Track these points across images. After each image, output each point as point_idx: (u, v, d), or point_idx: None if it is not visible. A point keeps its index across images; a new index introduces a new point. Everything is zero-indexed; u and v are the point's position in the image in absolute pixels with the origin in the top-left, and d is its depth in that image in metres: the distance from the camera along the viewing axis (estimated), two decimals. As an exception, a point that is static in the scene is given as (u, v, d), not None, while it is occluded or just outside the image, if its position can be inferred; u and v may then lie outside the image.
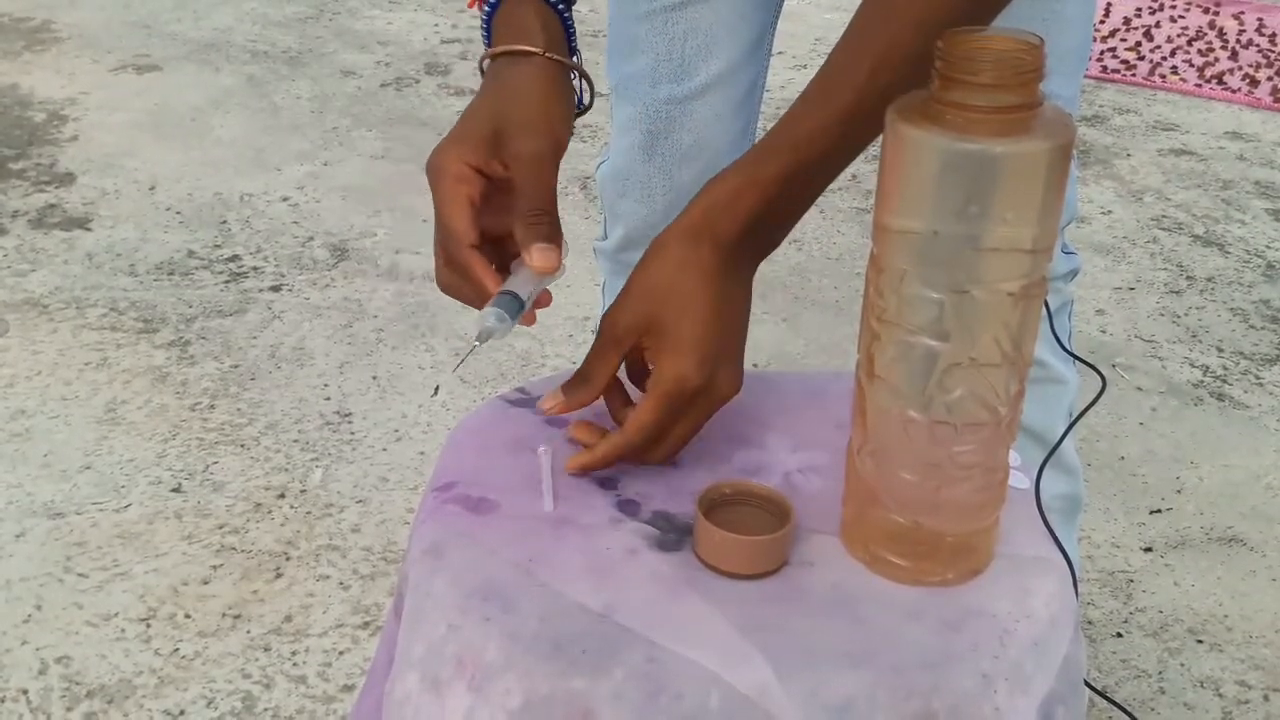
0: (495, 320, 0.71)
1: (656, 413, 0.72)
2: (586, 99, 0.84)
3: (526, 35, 0.78)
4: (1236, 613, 1.57)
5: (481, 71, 0.81)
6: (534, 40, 0.78)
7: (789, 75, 3.18)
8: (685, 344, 0.71)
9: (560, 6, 0.81)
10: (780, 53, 2.99)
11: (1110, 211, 2.66)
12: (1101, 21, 3.83)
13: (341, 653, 1.45)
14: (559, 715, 0.61)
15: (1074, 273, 1.13)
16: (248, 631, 1.47)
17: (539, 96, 0.76)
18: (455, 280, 0.76)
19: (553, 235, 0.74)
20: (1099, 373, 0.78)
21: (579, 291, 2.24)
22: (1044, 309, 0.78)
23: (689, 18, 1.04)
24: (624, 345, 0.73)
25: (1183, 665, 1.48)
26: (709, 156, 1.07)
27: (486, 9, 0.81)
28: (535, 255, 0.73)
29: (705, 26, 1.04)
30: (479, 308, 0.73)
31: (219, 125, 2.91)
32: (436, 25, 3.66)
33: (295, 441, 1.81)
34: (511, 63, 0.78)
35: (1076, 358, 0.81)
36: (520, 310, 0.73)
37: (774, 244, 0.75)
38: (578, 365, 0.76)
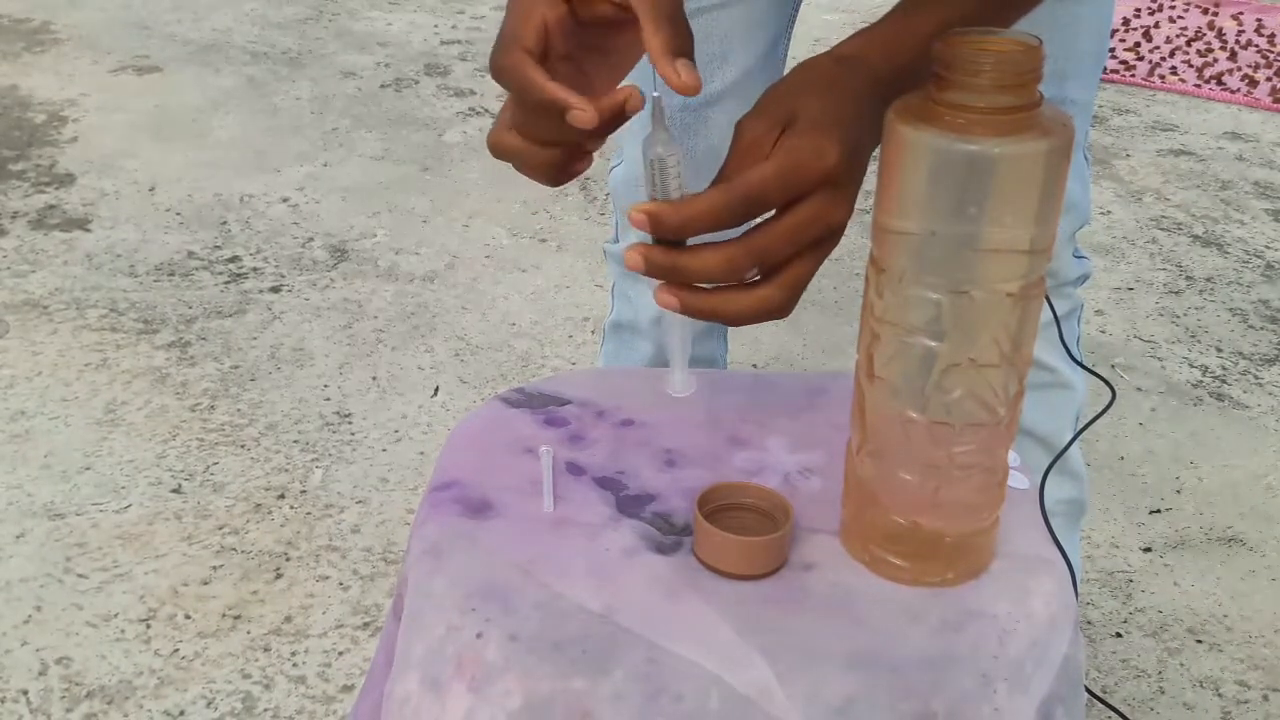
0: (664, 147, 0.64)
1: (775, 174, 0.62)
2: None
3: None
4: (1236, 613, 1.57)
5: None
6: None
7: (788, 76, 3.18)
8: (830, 126, 0.63)
9: None
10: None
11: (1109, 212, 2.67)
12: (1101, 22, 3.84)
13: (341, 653, 1.45)
14: (559, 716, 0.62)
15: (1085, 278, 1.13)
16: (248, 632, 1.47)
17: None
18: (512, 139, 0.67)
19: (690, 49, 0.65)
20: (1110, 386, 0.78)
21: (579, 292, 2.24)
22: (1052, 315, 0.78)
23: (704, 24, 1.03)
24: (761, 146, 0.64)
25: (1182, 665, 1.49)
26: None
27: None
28: (681, 71, 0.63)
29: (721, 33, 1.03)
30: (530, 168, 0.65)
31: (219, 126, 2.91)
32: (436, 26, 3.66)
33: (295, 442, 1.81)
34: None
35: (1088, 370, 0.81)
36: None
37: None
38: (578, 366, 0.74)
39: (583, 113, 0.63)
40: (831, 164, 0.63)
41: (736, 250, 0.63)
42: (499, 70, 0.66)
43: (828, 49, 0.70)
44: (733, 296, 0.65)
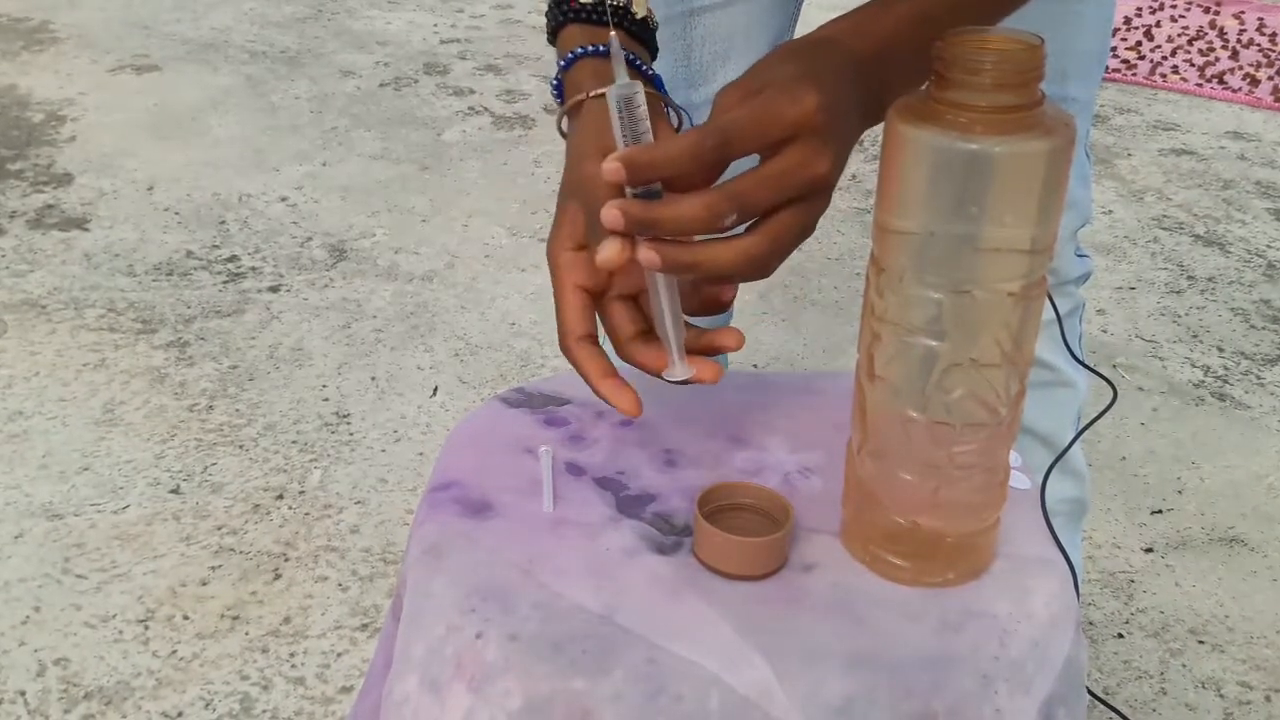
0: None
1: (750, 115, 0.62)
2: (676, 120, 0.78)
3: (585, 85, 0.73)
4: (1238, 613, 1.57)
5: (562, 134, 0.76)
6: (595, 85, 0.73)
7: (788, 75, 3.17)
8: (805, 79, 0.63)
9: (635, 60, 0.75)
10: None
11: (1111, 211, 2.66)
12: (1101, 21, 3.84)
13: (340, 654, 1.44)
14: (559, 716, 0.61)
15: (1086, 276, 1.13)
16: (246, 633, 1.47)
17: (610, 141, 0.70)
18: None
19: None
20: (1112, 385, 0.78)
21: (578, 292, 2.24)
22: (1055, 313, 0.78)
23: (707, 23, 1.03)
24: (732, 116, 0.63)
25: (1184, 666, 1.48)
26: None
27: (558, 69, 0.77)
28: (729, 339, 0.68)
29: (723, 33, 1.03)
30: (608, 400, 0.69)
31: (217, 125, 2.90)
32: (435, 25, 3.66)
33: (294, 442, 1.81)
34: (578, 113, 0.74)
35: (1089, 368, 0.81)
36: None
37: (881, 107, 0.66)
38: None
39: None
40: (808, 109, 0.62)
41: (715, 195, 0.62)
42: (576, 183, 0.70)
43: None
44: (714, 246, 0.63)
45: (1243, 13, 3.99)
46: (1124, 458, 1.87)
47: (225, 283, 2.23)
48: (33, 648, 1.44)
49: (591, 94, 0.74)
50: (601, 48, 0.74)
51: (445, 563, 0.68)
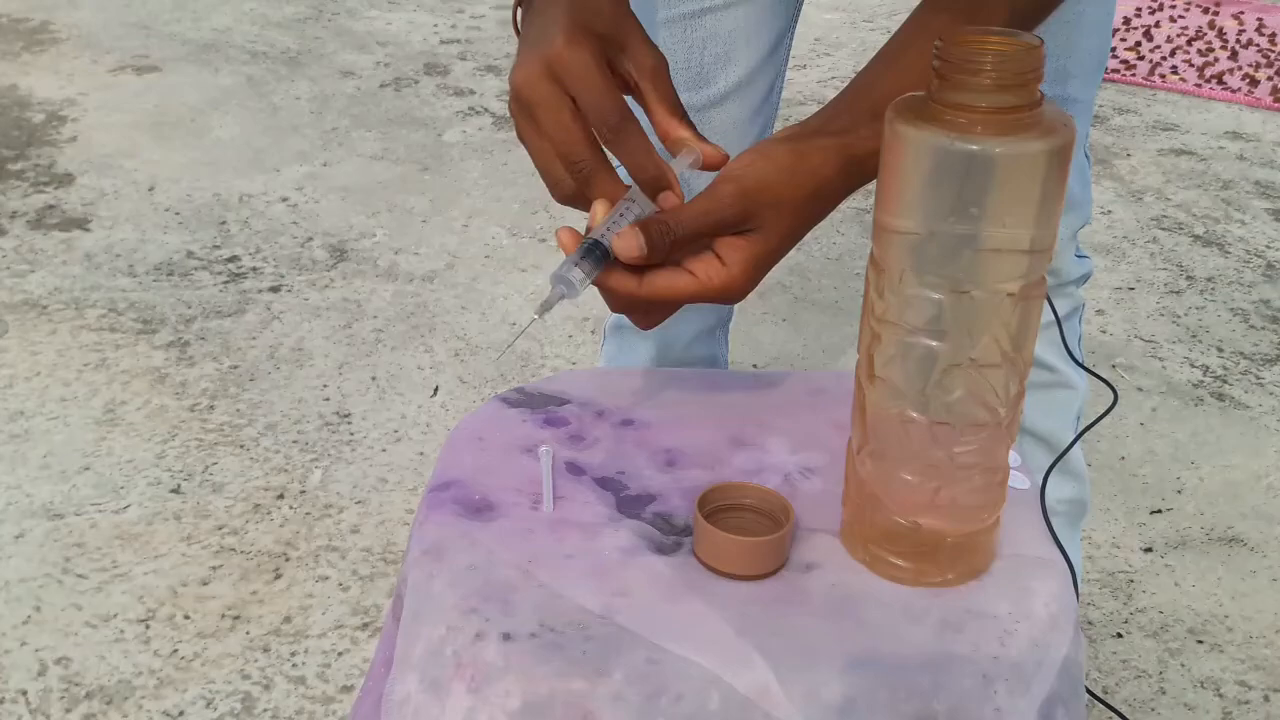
0: (569, 285, 0.68)
1: (731, 217, 0.69)
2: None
3: None
4: (1237, 613, 1.57)
5: (517, 32, 0.75)
6: None
7: (789, 75, 3.17)
8: (769, 257, 0.70)
9: None
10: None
11: (1110, 211, 2.66)
12: (1101, 21, 3.83)
13: (341, 654, 1.45)
14: (559, 717, 0.61)
15: (1086, 277, 1.13)
16: (247, 632, 1.47)
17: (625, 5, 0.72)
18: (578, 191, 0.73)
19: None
20: (1112, 388, 0.78)
21: (578, 292, 2.24)
22: (1054, 315, 0.78)
23: (709, 25, 1.03)
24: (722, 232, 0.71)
25: (1183, 666, 1.48)
26: None
27: None
28: (709, 150, 0.72)
29: (725, 34, 1.03)
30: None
31: (218, 126, 2.91)
32: (435, 26, 3.66)
33: (294, 442, 1.81)
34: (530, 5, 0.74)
35: (1090, 371, 0.81)
36: (599, 264, 0.69)
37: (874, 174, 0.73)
38: (578, 366, 0.75)
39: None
40: (769, 246, 0.70)
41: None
42: (576, 166, 0.74)
43: (799, 124, 0.74)
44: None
45: (1242, 13, 3.99)
46: (1123, 458, 1.87)
47: (226, 283, 2.23)
48: (34, 647, 1.44)
49: None
50: None
51: (445, 563, 0.68)
